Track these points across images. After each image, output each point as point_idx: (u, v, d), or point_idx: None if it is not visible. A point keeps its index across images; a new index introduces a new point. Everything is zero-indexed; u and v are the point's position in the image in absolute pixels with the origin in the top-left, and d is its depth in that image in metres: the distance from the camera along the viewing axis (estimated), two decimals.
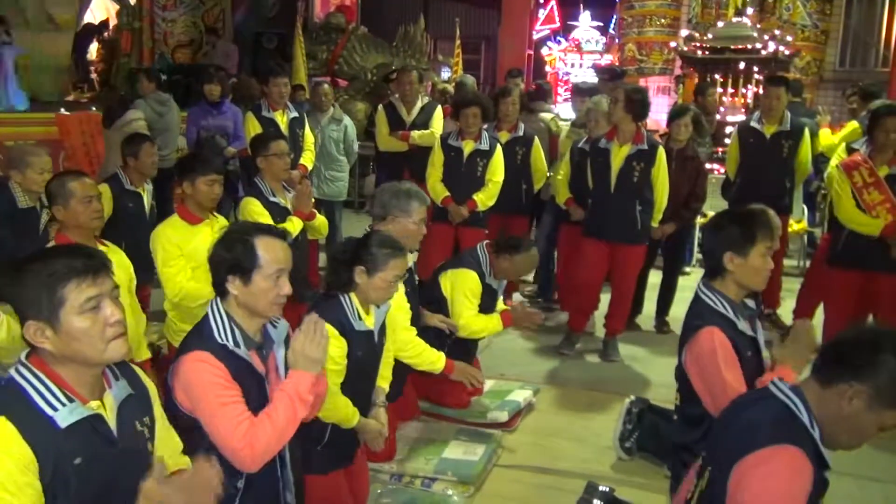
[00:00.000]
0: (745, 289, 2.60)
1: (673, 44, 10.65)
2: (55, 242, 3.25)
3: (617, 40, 13.12)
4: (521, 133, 5.65)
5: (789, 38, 9.28)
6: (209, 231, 3.75)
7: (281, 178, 4.32)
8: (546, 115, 6.46)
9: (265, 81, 6.08)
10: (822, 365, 1.88)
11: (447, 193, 5.26)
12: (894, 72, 9.85)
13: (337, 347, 2.74)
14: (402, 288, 3.33)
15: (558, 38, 15.17)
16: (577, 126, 5.99)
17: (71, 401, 1.69)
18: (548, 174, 5.84)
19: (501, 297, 4.34)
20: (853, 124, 6.55)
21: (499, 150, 5.31)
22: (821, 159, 6.68)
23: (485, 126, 5.42)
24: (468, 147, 5.26)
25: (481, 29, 16.37)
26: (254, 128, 5.80)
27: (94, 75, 11.54)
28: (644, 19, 11.81)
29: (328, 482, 2.86)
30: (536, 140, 5.70)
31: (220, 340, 2.14)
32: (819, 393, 1.83)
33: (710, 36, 8.99)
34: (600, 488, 2.88)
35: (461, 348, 4.03)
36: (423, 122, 6.15)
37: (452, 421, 3.94)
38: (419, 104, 6.23)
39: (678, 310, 5.63)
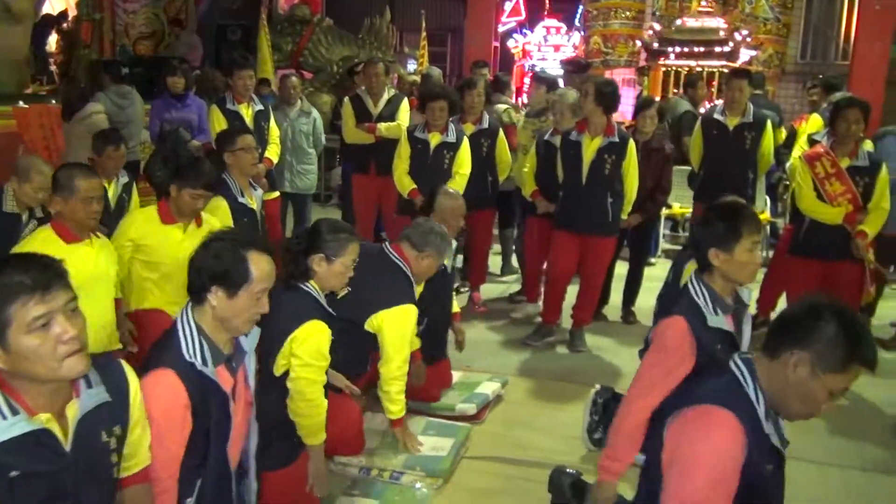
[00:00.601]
0: (732, 282, 2.58)
1: (637, 37, 10.74)
2: (51, 227, 3.25)
3: (582, 32, 13.19)
4: (485, 125, 5.65)
5: (751, 32, 9.40)
6: (179, 234, 3.75)
7: (249, 173, 4.28)
8: (500, 106, 6.47)
9: (230, 74, 6.00)
10: (768, 338, 1.95)
11: (414, 186, 5.25)
12: (853, 65, 10.02)
13: (328, 340, 2.81)
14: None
15: (524, 30, 15.21)
16: (533, 116, 6.02)
17: (15, 413, 1.63)
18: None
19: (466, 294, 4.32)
20: (815, 118, 6.67)
21: (465, 142, 5.31)
22: (782, 151, 6.79)
23: (451, 119, 5.41)
24: (435, 139, 5.25)
25: (447, 21, 16.36)
26: (218, 121, 5.72)
27: (53, 67, 11.31)
28: (609, 12, 11.90)
29: (291, 472, 2.86)
30: (501, 132, 5.71)
31: (187, 358, 2.08)
32: (767, 365, 1.90)
33: (674, 28, 9.07)
34: (567, 470, 2.91)
35: (434, 341, 4.06)
36: (390, 114, 6.12)
37: (421, 414, 3.94)
38: (386, 96, 6.20)
39: (644, 300, 5.69)
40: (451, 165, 5.27)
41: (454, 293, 4.36)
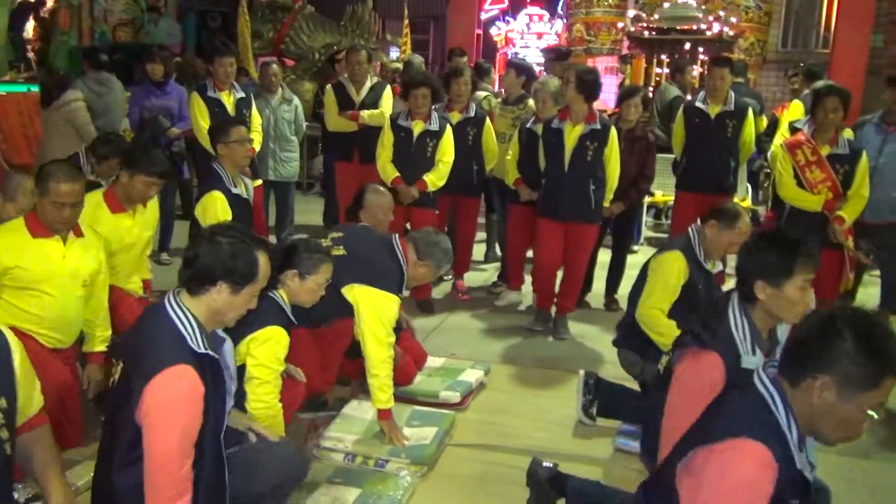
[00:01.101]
0: (775, 319, 2.39)
1: (620, 24, 10.75)
2: (23, 217, 3.17)
3: (565, 20, 13.18)
4: (472, 114, 5.64)
5: (734, 20, 9.43)
6: (129, 222, 3.75)
7: (242, 164, 4.26)
8: (480, 94, 6.46)
9: (211, 61, 5.95)
10: (785, 365, 1.79)
11: (397, 174, 5.23)
12: (834, 53, 10.08)
13: (286, 348, 2.95)
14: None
15: (507, 17, 15.18)
16: (511, 103, 6.01)
17: None
18: None
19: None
20: (797, 104, 6.71)
21: (448, 130, 5.30)
22: (763, 139, 6.83)
23: (435, 106, 5.39)
24: (418, 128, 5.24)
25: (430, 8, 16.27)
26: (199, 108, 5.68)
27: (31, 54, 11.16)
28: (592, 0, 11.89)
29: None
30: (488, 121, 5.70)
31: (196, 349, 2.10)
32: (791, 393, 1.74)
33: (656, 17, 9.08)
34: (544, 464, 2.93)
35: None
36: (373, 101, 6.10)
37: (404, 401, 3.94)
38: (368, 84, 6.17)
39: (627, 287, 5.71)
40: (435, 154, 5.25)
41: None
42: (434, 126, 5.25)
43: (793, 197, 4.52)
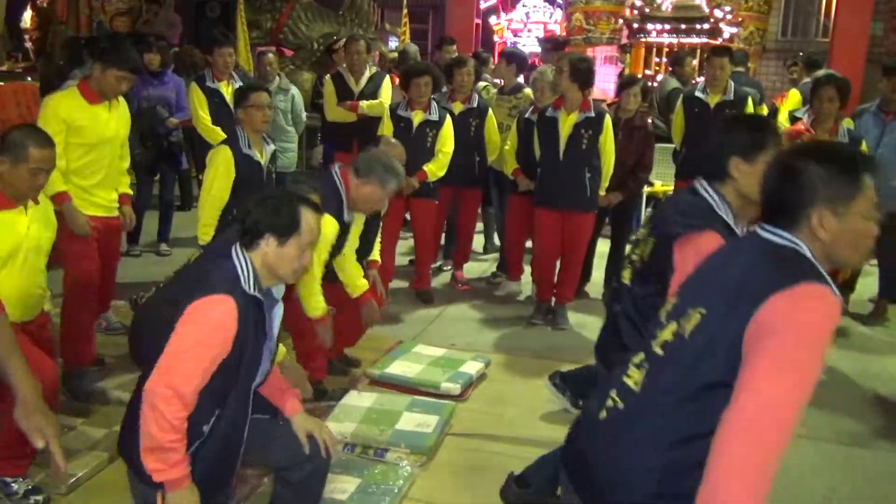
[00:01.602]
0: (745, 202, 2.36)
1: (620, 13, 10.71)
2: None
3: (564, 9, 13.13)
4: (474, 104, 5.63)
5: (728, 8, 9.39)
6: (105, 115, 3.77)
7: (260, 129, 4.24)
8: (479, 84, 6.45)
9: (209, 51, 5.94)
10: (772, 216, 1.76)
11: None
12: (834, 42, 10.06)
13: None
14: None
15: (506, 7, 15.12)
16: (507, 93, 6.00)
17: None
18: None
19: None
20: (794, 93, 6.70)
21: (448, 120, 5.29)
22: None
23: (436, 96, 5.38)
24: (417, 118, 5.23)
25: None
26: (198, 98, 5.68)
27: (28, 44, 11.13)
28: None
29: None
30: (490, 112, 5.69)
31: (247, 289, 2.21)
32: (802, 237, 1.71)
33: (656, 4, 9.04)
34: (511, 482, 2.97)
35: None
36: (372, 92, 6.09)
37: (405, 390, 3.96)
38: (367, 74, 6.16)
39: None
40: (435, 144, 5.25)
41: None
42: (434, 116, 5.24)
43: None
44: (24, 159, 2.91)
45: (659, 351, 1.78)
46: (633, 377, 1.81)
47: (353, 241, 3.93)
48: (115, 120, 3.88)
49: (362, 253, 4.13)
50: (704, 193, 2.42)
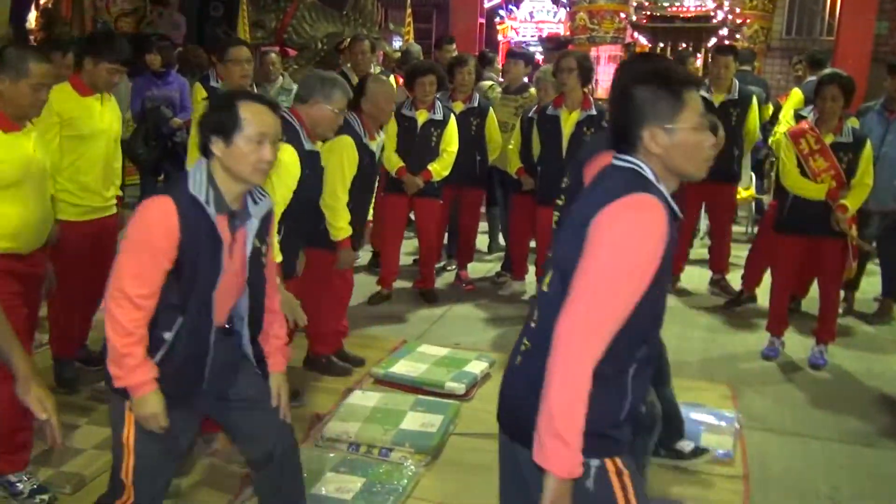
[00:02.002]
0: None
1: (623, 13, 10.70)
2: None
3: (567, 9, 13.12)
4: (475, 104, 5.63)
5: (727, 4, 9.37)
6: (98, 106, 3.77)
7: (238, 84, 4.25)
8: (485, 83, 6.45)
9: (213, 51, 5.94)
10: (618, 147, 1.83)
11: (402, 164, 5.23)
12: (839, 40, 10.03)
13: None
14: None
15: (510, 6, 15.11)
16: (512, 92, 6.00)
17: None
18: None
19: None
20: (796, 92, 6.68)
21: (453, 119, 5.29)
22: (769, 127, 6.81)
23: (437, 95, 5.39)
24: (422, 117, 5.23)
25: None
26: (202, 98, 5.67)
27: (33, 44, 11.15)
28: None
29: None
30: (492, 111, 5.69)
31: (191, 191, 2.20)
32: (637, 155, 1.80)
33: (660, 3, 9.04)
34: None
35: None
36: None
37: (409, 390, 3.97)
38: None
39: None
40: (439, 143, 5.25)
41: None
42: (438, 115, 5.24)
43: (796, 186, 4.51)
44: (25, 75, 2.90)
45: (545, 289, 1.88)
46: (534, 317, 1.91)
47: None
48: (108, 112, 3.87)
49: (360, 211, 4.16)
50: None
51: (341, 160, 3.92)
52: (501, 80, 6.86)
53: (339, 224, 3.97)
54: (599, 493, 1.78)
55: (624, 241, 1.67)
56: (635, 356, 1.78)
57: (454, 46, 7.58)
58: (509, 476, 2.12)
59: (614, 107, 1.84)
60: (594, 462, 1.77)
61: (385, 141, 5.28)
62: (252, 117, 2.23)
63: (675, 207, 1.76)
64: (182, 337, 2.25)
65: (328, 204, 3.94)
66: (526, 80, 6.20)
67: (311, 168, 3.53)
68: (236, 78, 4.22)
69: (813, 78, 7.02)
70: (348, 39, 7.26)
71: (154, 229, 2.15)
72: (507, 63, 6.03)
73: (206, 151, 2.26)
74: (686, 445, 3.55)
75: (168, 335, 2.23)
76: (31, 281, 3.07)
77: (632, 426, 1.87)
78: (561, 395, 1.65)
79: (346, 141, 3.94)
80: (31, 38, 11.13)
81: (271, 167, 2.28)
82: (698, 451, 3.48)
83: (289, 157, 3.26)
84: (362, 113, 4.06)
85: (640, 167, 1.77)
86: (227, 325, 2.39)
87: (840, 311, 5.00)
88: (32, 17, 11.20)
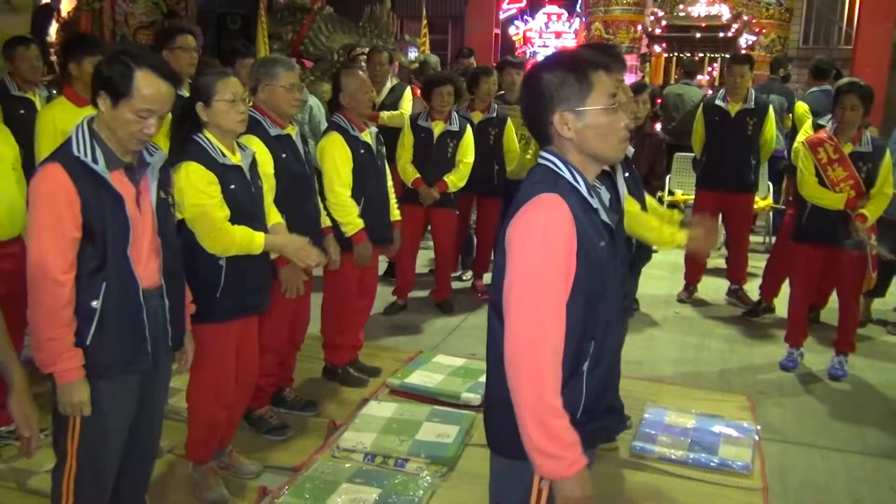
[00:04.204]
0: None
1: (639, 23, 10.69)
2: None
3: (583, 19, 13.13)
4: (494, 114, 5.64)
5: (748, 17, 9.33)
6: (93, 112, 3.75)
7: (186, 72, 4.25)
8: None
9: (231, 63, 5.99)
10: (534, 136, 1.86)
11: (418, 175, 5.24)
12: (856, 49, 9.97)
13: (209, 183, 2.83)
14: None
15: (525, 17, 15.15)
16: (511, 102, 5.97)
17: None
18: None
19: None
20: (800, 105, 6.65)
21: (469, 130, 5.29)
22: (793, 137, 6.77)
23: (454, 106, 5.40)
24: (438, 128, 5.24)
25: (448, 8, 16.27)
26: None
27: (53, 57, 11.28)
28: None
29: (220, 332, 2.95)
30: (510, 121, 5.68)
31: (75, 153, 2.15)
32: (557, 146, 1.79)
33: (676, 13, 9.02)
34: None
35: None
36: (393, 102, 6.11)
37: (425, 400, 3.96)
38: (389, 85, 6.19)
39: (645, 288, 5.71)
40: (455, 154, 5.25)
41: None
42: (454, 126, 5.24)
43: (814, 195, 4.48)
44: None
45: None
46: None
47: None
48: None
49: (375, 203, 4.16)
50: None
51: (332, 157, 3.95)
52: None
53: (347, 219, 3.98)
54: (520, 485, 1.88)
55: (527, 247, 1.70)
56: (586, 353, 1.78)
57: (473, 60, 7.60)
58: None
59: (525, 98, 1.84)
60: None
61: (400, 152, 5.31)
62: (145, 89, 2.16)
63: (591, 198, 1.76)
64: (110, 301, 2.22)
65: (331, 202, 3.94)
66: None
67: (288, 150, 3.50)
68: (185, 65, 4.21)
69: (815, 88, 7.01)
70: (365, 49, 7.28)
71: (54, 199, 2.11)
72: (506, 73, 5.98)
73: (94, 101, 2.21)
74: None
75: (96, 303, 2.20)
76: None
77: (596, 420, 1.87)
78: (533, 417, 1.69)
79: (333, 137, 3.99)
80: (52, 50, 11.27)
81: (151, 139, 2.26)
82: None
83: (256, 148, 3.28)
84: (344, 109, 4.07)
85: (553, 161, 1.78)
86: (159, 286, 2.36)
87: (859, 321, 4.95)
88: (53, 31, 11.35)
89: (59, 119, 3.55)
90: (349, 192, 3.97)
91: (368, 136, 4.11)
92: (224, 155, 2.90)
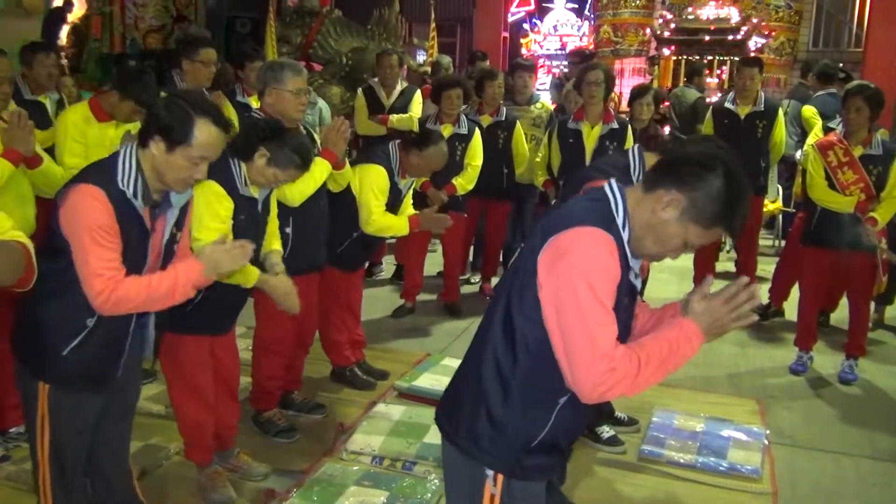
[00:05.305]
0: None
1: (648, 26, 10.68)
2: None
3: (592, 22, 13.12)
4: (502, 117, 5.64)
5: (757, 19, 9.31)
6: (112, 132, 3.78)
7: (202, 85, 4.26)
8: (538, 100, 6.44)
9: (240, 66, 6.01)
10: (651, 173, 1.83)
11: (426, 178, 5.23)
12: (867, 52, 9.93)
13: (225, 208, 2.87)
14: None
15: (534, 20, 15.14)
16: (523, 104, 5.96)
17: None
18: None
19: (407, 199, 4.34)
20: (807, 109, 6.62)
21: (477, 133, 5.29)
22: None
23: (463, 108, 5.40)
24: (447, 131, 5.22)
25: (456, 11, 16.26)
26: (229, 113, 5.71)
27: (64, 61, 11.34)
28: (620, 1, 11.82)
29: (194, 343, 2.99)
30: (518, 124, 5.68)
31: (120, 186, 2.17)
32: (640, 197, 1.78)
33: (685, 16, 9.01)
34: None
35: (362, 244, 4.09)
36: (402, 106, 6.12)
37: (433, 403, 3.93)
38: (398, 88, 6.20)
39: (653, 291, 5.70)
40: (464, 157, 5.25)
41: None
42: (463, 129, 5.25)
43: (824, 198, 4.46)
44: None
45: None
46: None
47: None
48: (119, 139, 3.87)
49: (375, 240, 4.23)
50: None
51: (372, 188, 3.92)
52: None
53: (395, 230, 4.07)
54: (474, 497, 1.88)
55: (580, 265, 1.69)
56: (567, 391, 1.77)
57: (488, 63, 7.61)
58: None
59: (684, 147, 1.89)
60: (489, 471, 1.86)
61: None
62: (203, 140, 2.19)
63: (630, 255, 1.76)
64: (103, 323, 2.24)
65: (372, 230, 3.95)
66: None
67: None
68: (203, 79, 4.21)
69: (821, 92, 6.96)
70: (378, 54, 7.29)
71: (97, 213, 2.12)
72: (517, 76, 5.99)
73: (144, 140, 2.22)
74: (604, 431, 3.66)
75: (91, 321, 2.23)
76: None
77: (550, 457, 1.90)
78: (642, 377, 1.67)
79: (379, 171, 3.95)
80: (62, 53, 11.33)
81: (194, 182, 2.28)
82: (615, 442, 3.59)
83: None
84: (407, 157, 4.04)
85: (616, 200, 1.78)
86: (140, 316, 2.38)
87: (870, 325, 4.92)
88: (63, 34, 11.41)
89: (82, 123, 3.57)
90: (383, 216, 3.98)
91: (404, 184, 4.14)
92: (246, 185, 2.95)
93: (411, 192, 4.32)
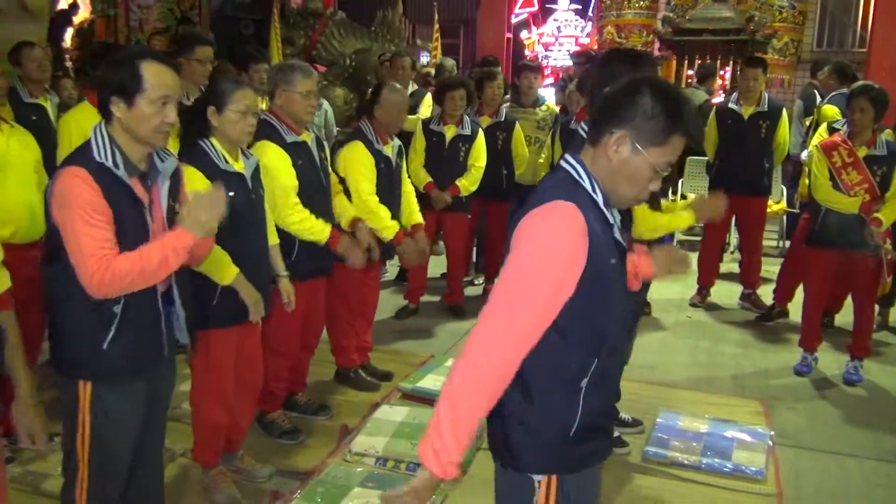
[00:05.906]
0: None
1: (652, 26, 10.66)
2: None
3: (595, 22, 13.12)
4: (502, 118, 5.64)
5: (767, 19, 9.29)
6: None
7: (198, 83, 4.26)
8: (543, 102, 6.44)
9: (244, 68, 6.02)
10: (590, 128, 1.82)
11: (430, 179, 5.25)
12: (871, 52, 9.90)
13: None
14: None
15: (537, 21, 15.17)
16: (527, 106, 5.95)
17: None
18: None
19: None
20: (829, 108, 6.59)
21: (481, 134, 5.30)
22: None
23: (467, 110, 5.41)
24: (450, 132, 5.25)
25: (460, 13, 16.29)
26: None
27: (69, 63, 11.37)
28: (623, 1, 11.81)
29: (221, 339, 2.97)
30: (518, 125, 5.68)
31: (97, 159, 2.16)
32: (593, 154, 1.77)
33: (689, 17, 8.99)
34: None
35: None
36: (413, 107, 6.13)
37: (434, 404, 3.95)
38: (409, 90, 6.20)
39: (658, 292, 5.69)
40: (467, 158, 5.26)
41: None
42: (466, 130, 5.25)
43: (828, 199, 4.45)
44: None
45: None
46: None
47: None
48: None
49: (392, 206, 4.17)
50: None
51: (355, 164, 3.96)
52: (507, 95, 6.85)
53: (383, 224, 3.99)
54: None
55: (527, 253, 1.68)
56: (586, 369, 1.75)
57: (499, 68, 7.60)
58: None
59: (607, 83, 1.85)
60: (536, 477, 1.80)
61: (412, 156, 5.32)
62: (154, 78, 2.17)
63: (608, 213, 1.76)
64: (130, 306, 2.23)
65: (362, 210, 3.93)
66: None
67: (303, 156, 3.50)
68: (199, 77, 4.22)
69: (836, 92, 6.93)
70: (386, 57, 7.31)
71: (82, 190, 2.10)
72: (523, 77, 5.98)
73: (106, 113, 2.21)
74: (625, 416, 3.73)
75: (117, 308, 2.21)
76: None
77: (598, 440, 1.85)
78: (457, 397, 1.71)
79: (356, 145, 3.99)
80: (67, 56, 11.36)
81: (172, 128, 2.26)
82: (619, 443, 3.57)
83: (272, 153, 3.33)
84: (374, 119, 4.08)
85: (576, 168, 1.78)
86: (168, 294, 2.37)
87: (874, 326, 4.91)
88: (69, 37, 11.45)
89: (85, 123, 3.57)
90: (376, 196, 3.99)
91: (390, 149, 4.13)
92: (226, 161, 2.91)
93: (404, 163, 4.36)
